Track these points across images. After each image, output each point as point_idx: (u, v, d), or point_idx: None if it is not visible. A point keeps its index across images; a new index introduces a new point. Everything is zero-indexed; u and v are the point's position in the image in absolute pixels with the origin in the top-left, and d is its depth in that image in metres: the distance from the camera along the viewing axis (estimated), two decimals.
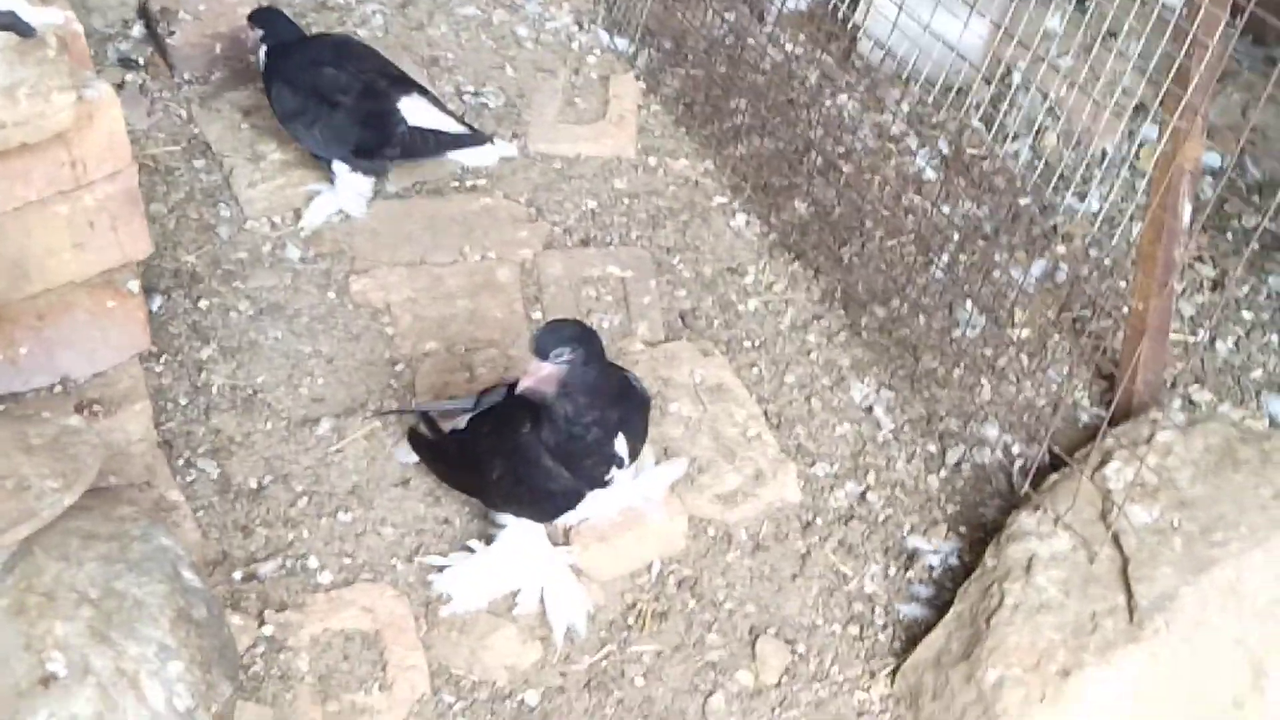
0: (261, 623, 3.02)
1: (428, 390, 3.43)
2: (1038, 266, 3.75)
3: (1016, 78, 3.90)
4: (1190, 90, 2.83)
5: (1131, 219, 3.72)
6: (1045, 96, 3.95)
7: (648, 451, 3.25)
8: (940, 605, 3.12)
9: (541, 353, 2.84)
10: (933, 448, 3.44)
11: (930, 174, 3.99)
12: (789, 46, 4.30)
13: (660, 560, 3.20)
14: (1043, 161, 3.49)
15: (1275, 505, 3.00)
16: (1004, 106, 3.89)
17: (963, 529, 3.29)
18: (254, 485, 3.27)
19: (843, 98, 4.21)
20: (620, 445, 3.00)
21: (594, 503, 3.10)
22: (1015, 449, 3.41)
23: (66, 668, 2.35)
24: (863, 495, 3.36)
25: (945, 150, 3.97)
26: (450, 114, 3.82)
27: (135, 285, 3.32)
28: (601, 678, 3.03)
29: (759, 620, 3.13)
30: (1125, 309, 3.32)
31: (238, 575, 3.11)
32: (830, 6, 4.32)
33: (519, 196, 3.93)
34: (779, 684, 3.04)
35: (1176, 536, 2.96)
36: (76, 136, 3.01)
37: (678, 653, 3.07)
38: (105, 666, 2.37)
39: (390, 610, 3.07)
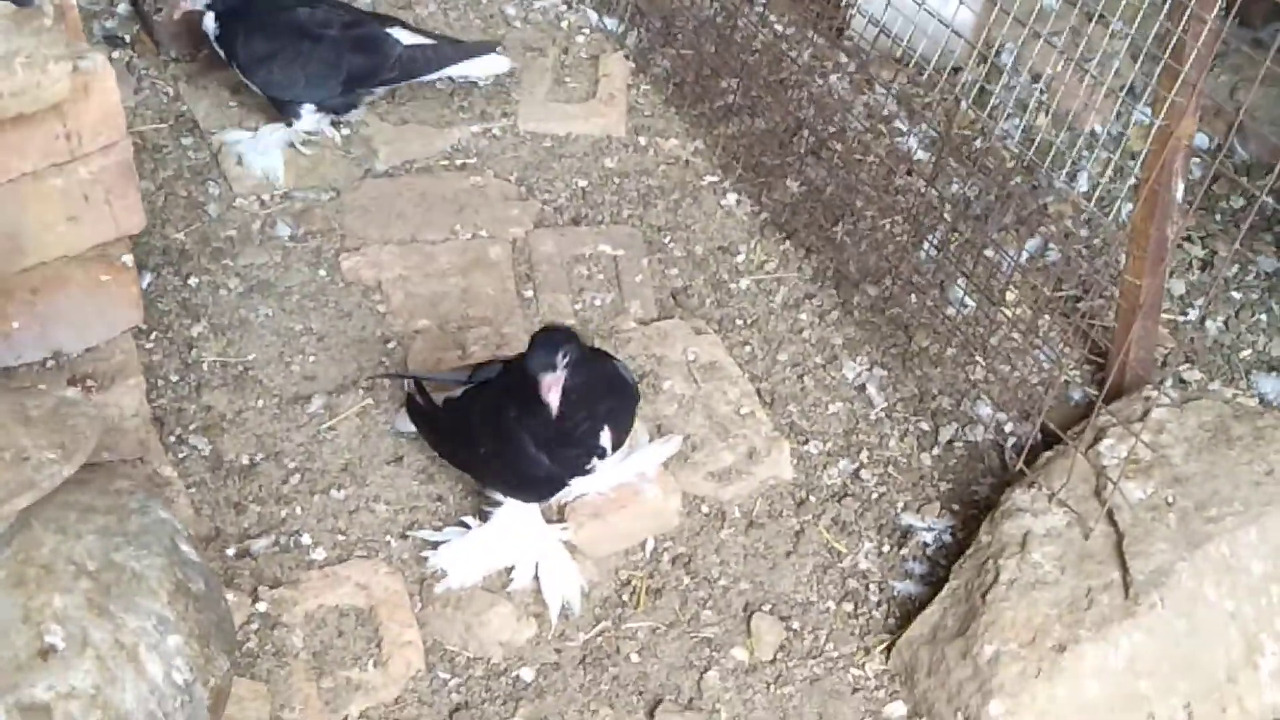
0: (255, 599, 3.02)
1: (420, 368, 3.41)
2: (1030, 245, 3.75)
3: (1008, 58, 3.90)
4: (1187, 65, 2.83)
5: (1123, 200, 3.73)
6: (1037, 78, 3.95)
7: (641, 429, 3.25)
8: (934, 582, 3.13)
9: (549, 365, 2.83)
10: (925, 426, 3.44)
11: (921, 154, 3.99)
12: (779, 26, 4.29)
13: (654, 537, 3.20)
14: (1035, 142, 3.49)
15: (1269, 481, 3.01)
16: (996, 87, 3.89)
17: (956, 506, 3.30)
18: (246, 462, 3.26)
19: (834, 77, 4.20)
20: (605, 437, 3.01)
21: (585, 483, 3.10)
22: (1008, 427, 3.42)
23: (65, 640, 2.33)
24: (856, 473, 3.36)
25: (937, 130, 3.96)
26: (440, 37, 3.85)
27: (129, 259, 3.30)
28: (597, 654, 3.02)
29: (753, 597, 3.13)
30: (1116, 290, 3.33)
31: (231, 552, 3.10)
32: None
33: (509, 175, 3.92)
34: (774, 660, 3.04)
35: (1171, 513, 2.97)
36: (72, 108, 2.99)
37: (673, 629, 3.07)
38: (104, 639, 2.36)
39: (385, 586, 3.06)
